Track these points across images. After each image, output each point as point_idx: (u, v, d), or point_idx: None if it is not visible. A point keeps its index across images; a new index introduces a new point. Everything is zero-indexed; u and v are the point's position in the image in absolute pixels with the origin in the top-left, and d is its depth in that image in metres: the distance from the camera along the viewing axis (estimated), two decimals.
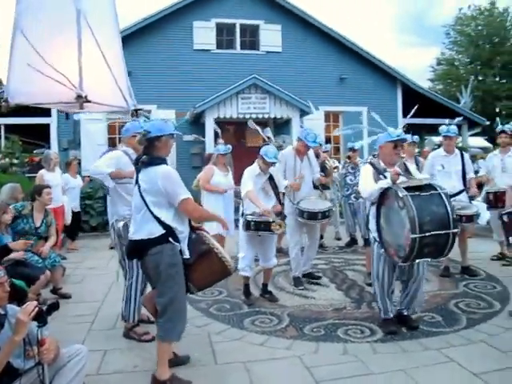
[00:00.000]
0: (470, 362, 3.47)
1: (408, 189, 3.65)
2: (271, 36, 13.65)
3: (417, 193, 3.63)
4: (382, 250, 3.98)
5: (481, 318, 4.43)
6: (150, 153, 3.19)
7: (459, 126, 8.56)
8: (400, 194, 3.59)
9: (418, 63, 61.37)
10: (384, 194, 3.90)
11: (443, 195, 3.68)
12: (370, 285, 5.08)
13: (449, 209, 3.60)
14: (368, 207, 4.24)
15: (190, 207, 3.18)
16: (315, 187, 5.94)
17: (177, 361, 3.50)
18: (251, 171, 5.01)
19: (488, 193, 6.25)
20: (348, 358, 3.66)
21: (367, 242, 5.16)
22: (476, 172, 7.65)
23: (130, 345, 3.97)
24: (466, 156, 6.14)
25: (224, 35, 13.77)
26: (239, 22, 13.56)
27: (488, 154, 7.76)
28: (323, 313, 4.67)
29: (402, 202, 3.59)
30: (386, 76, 14.37)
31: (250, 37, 13.91)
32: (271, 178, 5.07)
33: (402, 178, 3.86)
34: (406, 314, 4.27)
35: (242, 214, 4.94)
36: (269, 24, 13.62)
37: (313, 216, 5.33)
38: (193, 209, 3.22)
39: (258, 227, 4.75)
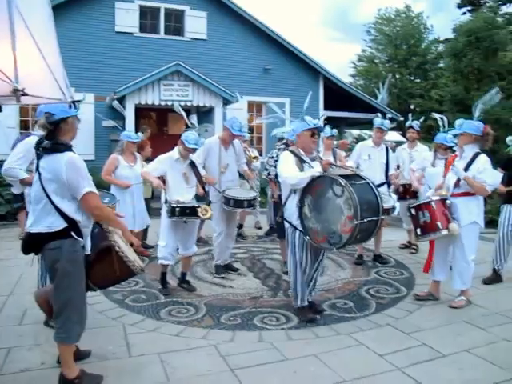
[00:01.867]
0: (377, 344, 3.68)
1: (341, 177, 3.78)
2: (196, 23, 13.41)
3: (352, 181, 3.78)
4: (307, 237, 4.03)
5: (389, 302, 4.71)
6: (54, 137, 2.93)
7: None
8: (342, 183, 3.68)
9: (342, 58, 63.51)
10: (311, 183, 3.95)
11: (371, 184, 3.93)
12: (286, 273, 5.18)
13: (378, 197, 3.86)
14: (286, 196, 4.26)
15: (93, 203, 2.94)
16: (241, 176, 5.97)
17: (79, 354, 3.33)
18: (168, 156, 4.90)
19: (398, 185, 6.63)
20: (263, 345, 3.72)
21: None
22: None
23: (38, 341, 3.73)
24: (390, 151, 6.48)
25: (148, 19, 13.31)
26: (164, 5, 13.18)
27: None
28: (240, 301, 4.71)
29: (341, 190, 3.71)
30: (309, 69, 14.68)
31: (175, 22, 13.56)
32: (193, 165, 5.00)
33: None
34: (310, 300, 4.39)
35: (166, 201, 4.82)
36: (194, 10, 13.37)
37: (239, 204, 5.34)
38: (95, 205, 2.97)
39: (184, 213, 4.67)
